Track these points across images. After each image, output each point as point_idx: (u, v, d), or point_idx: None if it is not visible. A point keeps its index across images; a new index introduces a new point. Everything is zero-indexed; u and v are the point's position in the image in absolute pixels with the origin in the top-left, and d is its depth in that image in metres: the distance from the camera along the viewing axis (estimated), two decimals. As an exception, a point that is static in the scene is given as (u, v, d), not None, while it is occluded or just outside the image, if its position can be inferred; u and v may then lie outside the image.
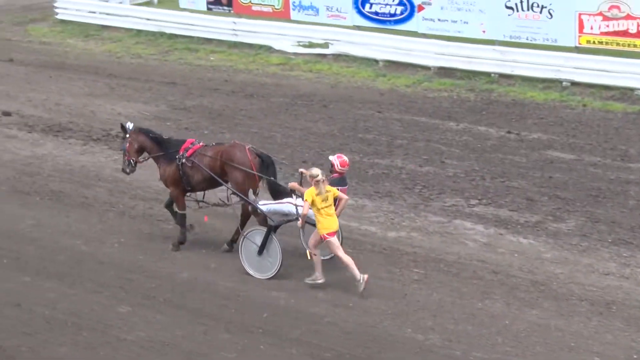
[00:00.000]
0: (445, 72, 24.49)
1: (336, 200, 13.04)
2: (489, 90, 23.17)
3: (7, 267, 13.80)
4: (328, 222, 12.88)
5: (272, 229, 13.48)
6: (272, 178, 13.88)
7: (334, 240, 12.94)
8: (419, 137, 19.83)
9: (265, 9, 29.41)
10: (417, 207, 16.09)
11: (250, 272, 13.59)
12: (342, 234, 13.86)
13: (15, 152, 19.02)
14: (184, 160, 14.19)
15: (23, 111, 21.77)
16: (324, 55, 26.71)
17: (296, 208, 13.19)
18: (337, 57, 26.46)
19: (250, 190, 13.74)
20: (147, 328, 12.08)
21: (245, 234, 13.70)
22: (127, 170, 14.76)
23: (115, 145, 19.47)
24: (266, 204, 13.71)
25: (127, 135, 14.66)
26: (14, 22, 32.60)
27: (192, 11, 30.54)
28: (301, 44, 27.51)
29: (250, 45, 27.90)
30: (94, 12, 31.60)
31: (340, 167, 13.54)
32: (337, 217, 13.07)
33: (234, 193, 13.95)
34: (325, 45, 26.99)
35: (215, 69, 26.15)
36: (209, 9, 30.77)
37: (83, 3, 32.12)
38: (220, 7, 30.55)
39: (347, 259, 12.94)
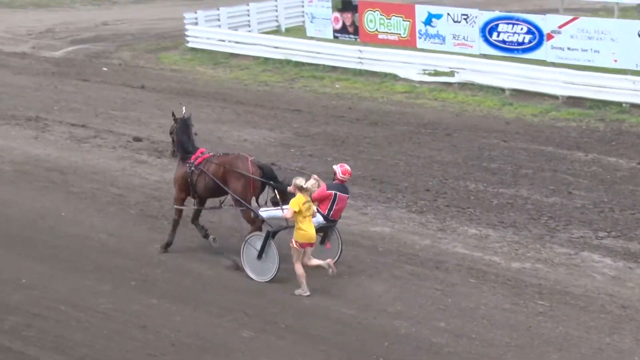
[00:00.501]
0: (574, 101, 24.04)
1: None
2: (620, 121, 22.62)
3: (134, 289, 14.09)
4: (308, 232, 13.50)
5: (270, 235, 14.03)
6: (273, 184, 14.51)
7: (309, 252, 13.62)
8: (545, 167, 19.47)
9: (391, 37, 29.48)
10: (543, 238, 15.76)
11: (252, 275, 14.22)
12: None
13: (144, 177, 19.46)
14: (193, 168, 14.96)
15: (153, 137, 22.29)
16: (449, 84, 26.57)
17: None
18: (463, 85, 26.28)
19: (253, 198, 14.43)
20: (269, 353, 12.14)
21: (246, 239, 14.29)
22: (175, 155, 15.60)
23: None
24: (266, 210, 14.37)
25: (177, 125, 15.51)
26: (147, 50, 33.51)
27: (318, 39, 30.85)
28: (427, 72, 27.43)
29: (376, 73, 27.96)
30: (224, 41, 32.24)
31: (341, 175, 14.20)
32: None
33: (236, 201, 14.55)
34: (451, 74, 26.85)
35: (340, 97, 26.30)
36: (335, 37, 31.03)
37: (213, 32, 32.82)
38: (347, 36, 30.76)
39: (301, 271, 13.61)
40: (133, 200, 17.91)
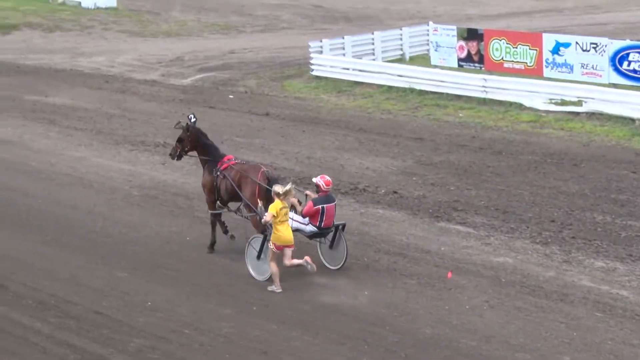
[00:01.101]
0: None
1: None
2: None
3: (255, 314, 14.20)
4: (285, 235, 14.71)
5: (267, 237, 15.12)
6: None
7: (289, 253, 14.82)
8: (676, 199, 18.88)
9: (517, 66, 29.15)
10: (674, 272, 15.25)
11: (252, 274, 15.45)
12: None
13: (267, 202, 19.65)
14: (218, 173, 16.39)
15: (276, 163, 22.50)
16: (576, 114, 26.06)
17: (292, 221, 15.19)
18: (591, 115, 25.74)
19: (260, 203, 15.61)
20: (387, 382, 12.05)
21: (249, 240, 15.58)
22: (175, 158, 17.31)
23: (363, 198, 19.76)
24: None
25: (188, 132, 16.83)
26: (272, 78, 33.96)
27: (443, 68, 30.72)
28: (553, 101, 26.97)
29: (500, 102, 27.66)
30: (348, 69, 32.42)
31: (325, 187, 15.54)
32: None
33: (246, 205, 16.01)
34: (579, 103, 26.33)
35: (463, 126, 26.09)
36: (459, 65, 30.85)
37: (337, 60, 33.04)
38: (472, 64, 30.56)
39: (275, 270, 14.78)
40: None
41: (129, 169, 22.05)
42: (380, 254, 16.54)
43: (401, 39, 36.00)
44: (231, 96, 30.90)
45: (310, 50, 33.45)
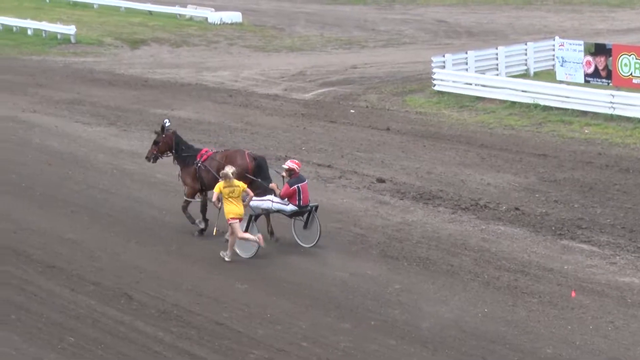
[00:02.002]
0: None
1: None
2: None
3: (373, 328, 14.14)
4: (233, 209, 16.53)
5: (253, 218, 17.06)
6: (264, 176, 17.70)
7: (236, 224, 16.53)
8: None
9: (646, 82, 28.44)
10: None
11: (238, 252, 16.95)
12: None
13: (387, 218, 19.59)
14: (199, 165, 18.06)
15: (396, 179, 22.43)
16: None
17: (272, 203, 17.18)
18: None
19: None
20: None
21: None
22: (151, 161, 19.16)
23: (484, 215, 19.51)
24: (253, 200, 17.15)
25: (163, 135, 18.64)
26: (393, 93, 33.92)
27: (568, 83, 30.14)
28: (684, 118, 26.18)
29: (629, 119, 26.96)
30: (470, 84, 32.13)
31: (297, 168, 17.43)
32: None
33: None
34: None
35: (588, 142, 25.52)
36: (586, 81, 30.24)
37: (460, 75, 32.79)
38: (599, 80, 29.92)
39: (232, 241, 16.67)
40: (374, 241, 18.05)
41: (251, 182, 22.29)
42: (501, 271, 16.29)
43: (526, 54, 35.49)
44: (352, 111, 30.98)
45: (433, 65, 33.27)
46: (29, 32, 48.85)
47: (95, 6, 60.80)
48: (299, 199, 17.36)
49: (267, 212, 17.55)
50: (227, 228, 16.82)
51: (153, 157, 19.11)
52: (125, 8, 59.28)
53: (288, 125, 28.59)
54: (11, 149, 25.12)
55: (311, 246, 17.44)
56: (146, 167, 23.35)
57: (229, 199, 16.57)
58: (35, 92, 33.28)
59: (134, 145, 25.66)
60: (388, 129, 27.94)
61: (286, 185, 17.34)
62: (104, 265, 16.77)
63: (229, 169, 16.68)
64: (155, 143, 18.94)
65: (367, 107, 31.73)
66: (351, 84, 36.11)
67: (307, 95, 33.99)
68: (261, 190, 17.56)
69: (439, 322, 14.26)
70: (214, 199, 16.69)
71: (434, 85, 33.04)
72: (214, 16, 54.34)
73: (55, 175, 22.56)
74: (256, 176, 17.73)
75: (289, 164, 17.53)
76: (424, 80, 34.73)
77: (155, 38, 48.95)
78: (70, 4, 62.49)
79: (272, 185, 17.56)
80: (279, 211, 17.37)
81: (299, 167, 17.52)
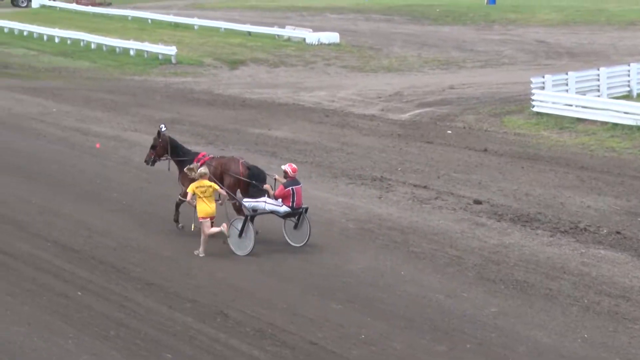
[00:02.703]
0: None
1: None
2: None
3: (469, 352, 13.96)
4: (204, 208, 17.78)
5: (248, 218, 18.12)
6: (257, 183, 18.69)
7: (207, 223, 17.79)
8: None
9: None
10: None
11: (233, 249, 18.17)
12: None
13: (483, 239, 19.37)
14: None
15: (493, 200, 22.18)
16: None
17: (265, 204, 18.31)
18: None
19: (238, 191, 18.75)
20: None
21: (231, 222, 18.20)
22: (149, 164, 20.07)
23: (583, 238, 19.14)
24: (249, 201, 18.46)
25: (160, 139, 19.62)
26: (491, 114, 33.61)
27: (672, 104, 29.48)
28: None
29: None
30: (570, 106, 31.63)
31: (292, 173, 18.51)
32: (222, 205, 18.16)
33: (227, 193, 18.40)
34: None
35: (694, 165, 24.86)
36: (691, 102, 29.53)
37: (560, 96, 32.32)
38: (703, 101, 29.15)
39: (205, 239, 17.91)
40: (471, 263, 17.86)
41: (346, 202, 22.30)
42: (601, 296, 15.93)
43: (629, 75, 34.83)
44: (449, 131, 30.79)
45: (532, 86, 32.88)
46: (132, 52, 49.90)
47: (195, 27, 61.84)
48: (293, 201, 18.43)
49: (262, 213, 18.54)
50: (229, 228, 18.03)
51: (151, 160, 20.11)
52: (225, 29, 60.15)
53: (384, 146, 28.54)
54: (113, 167, 25.63)
55: (301, 245, 18.53)
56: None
57: (202, 198, 17.79)
58: (137, 112, 33.94)
59: (231, 165, 25.91)
60: (485, 150, 27.67)
61: (281, 187, 18.50)
62: (200, 283, 16.94)
63: (203, 169, 17.96)
64: (153, 147, 19.97)
65: (464, 128, 31.50)
66: (448, 104, 35.91)
67: (404, 116, 33.90)
68: (256, 192, 18.73)
69: (537, 347, 14.01)
70: (189, 198, 18.00)
71: (533, 106, 32.63)
72: (312, 37, 54.72)
73: (154, 193, 22.92)
74: (252, 180, 18.86)
75: (285, 166, 18.70)
76: (522, 102, 34.34)
77: (254, 58, 49.51)
78: (172, 25, 63.69)
79: (266, 185, 18.74)
80: (272, 212, 18.50)
81: (293, 171, 18.56)
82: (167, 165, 20.11)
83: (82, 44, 53.49)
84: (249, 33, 58.37)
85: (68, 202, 21.90)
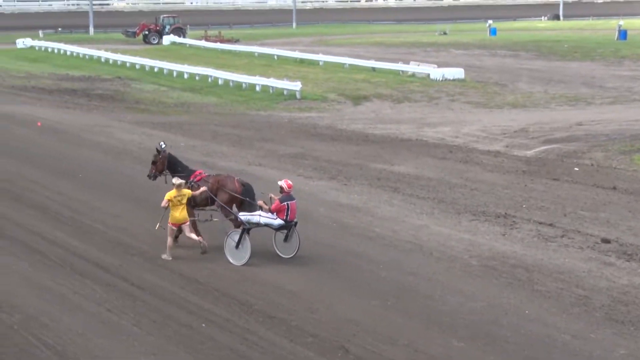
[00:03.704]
0: None
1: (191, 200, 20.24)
2: None
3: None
4: (175, 215, 19.77)
5: (245, 231, 19.54)
6: (251, 199, 20.19)
7: (176, 229, 19.99)
8: None
9: None
10: None
11: (230, 260, 19.57)
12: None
13: (612, 279, 18.85)
14: (193, 184, 20.57)
15: (623, 239, 21.59)
16: None
17: (260, 217, 19.67)
18: None
19: (234, 205, 20.36)
20: None
21: (228, 233, 19.72)
22: (151, 178, 21.73)
23: None
24: (244, 215, 19.88)
25: (160, 155, 21.28)
26: (621, 151, 32.83)
27: None
28: None
29: None
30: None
31: (287, 188, 19.82)
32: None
33: (222, 208, 20.25)
34: None
35: None
36: None
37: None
38: None
39: (172, 244, 20.07)
40: (598, 303, 17.38)
41: (469, 239, 22.04)
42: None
43: None
44: (576, 169, 30.16)
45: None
46: (258, 88, 50.71)
47: (320, 63, 62.48)
48: (287, 215, 19.71)
49: (257, 226, 19.79)
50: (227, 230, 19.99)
51: (152, 175, 21.66)
52: (350, 65, 60.59)
53: (508, 182, 28.15)
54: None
55: (290, 257, 19.91)
56: (365, 221, 23.57)
57: (176, 205, 19.69)
58: (261, 146, 34.39)
59: (353, 200, 25.97)
60: (614, 188, 27.00)
61: (277, 201, 19.74)
62: (321, 317, 16.95)
63: (176, 180, 19.93)
64: (153, 163, 21.59)
65: (592, 165, 30.82)
66: (575, 141, 35.23)
67: (529, 152, 33.39)
68: (249, 207, 20.20)
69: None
70: (163, 204, 19.90)
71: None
72: (436, 72, 54.60)
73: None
74: (246, 197, 20.38)
75: (281, 182, 20.00)
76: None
77: (378, 94, 49.66)
78: (297, 61, 64.52)
79: (260, 202, 20.07)
80: (267, 225, 19.78)
81: (288, 187, 19.83)
82: (186, 185, 20.80)
83: (209, 79, 54.61)
84: (373, 69, 58.63)
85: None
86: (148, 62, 61.39)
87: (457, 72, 54.84)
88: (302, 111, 44.64)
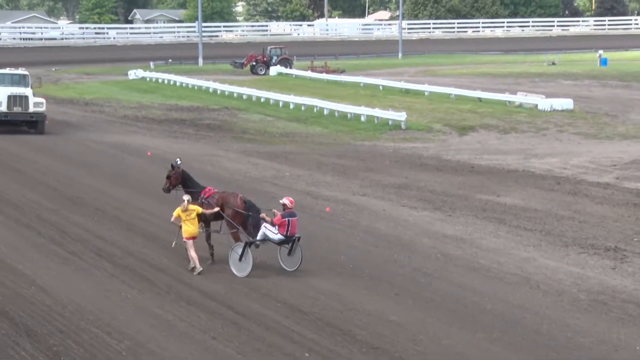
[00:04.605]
0: None
1: (200, 216, 21.61)
2: None
3: None
4: (187, 229, 21.03)
5: (247, 244, 20.93)
6: (254, 214, 21.53)
7: (191, 243, 21.06)
8: None
9: None
10: None
11: (235, 271, 20.80)
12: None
13: None
14: (204, 200, 21.94)
15: None
16: None
17: (265, 228, 21.09)
18: None
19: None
20: None
21: (232, 247, 21.08)
22: (165, 191, 23.19)
23: None
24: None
25: (174, 171, 22.82)
26: None
27: None
28: None
29: None
30: None
31: (290, 205, 21.15)
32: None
33: (228, 223, 21.69)
34: None
35: None
36: None
37: None
38: None
39: (194, 255, 21.05)
40: None
41: (577, 272, 21.59)
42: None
43: None
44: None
45: None
46: (363, 118, 50.81)
47: (426, 93, 62.32)
48: (287, 230, 20.97)
49: (258, 240, 21.19)
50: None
51: (166, 188, 23.07)
52: (456, 95, 60.25)
53: (619, 215, 27.52)
54: (341, 230, 26.02)
55: (293, 270, 21.07)
56: (470, 253, 23.32)
57: (186, 220, 20.99)
58: (366, 176, 34.41)
59: (458, 231, 25.74)
60: None
61: (279, 216, 21.07)
62: (425, 349, 16.80)
63: (187, 198, 21.48)
64: (168, 177, 22.98)
65: None
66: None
67: (641, 185, 32.61)
68: (254, 220, 21.49)
69: None
70: (172, 220, 21.41)
71: None
72: (544, 103, 53.88)
73: (381, 257, 23.05)
74: (248, 213, 21.70)
75: (284, 200, 21.37)
76: None
77: (484, 124, 49.25)
78: (402, 92, 64.49)
79: (263, 214, 21.36)
80: (269, 239, 21.10)
81: (291, 203, 21.22)
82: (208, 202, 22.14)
83: (315, 110, 54.98)
84: (480, 99, 58.18)
85: (297, 264, 22.38)
86: (255, 92, 62.19)
87: (566, 103, 54.00)
88: (407, 141, 44.54)
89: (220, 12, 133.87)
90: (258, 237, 21.23)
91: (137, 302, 19.43)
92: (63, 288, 20.13)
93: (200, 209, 21.46)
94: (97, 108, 57.44)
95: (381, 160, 38.70)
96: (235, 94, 63.58)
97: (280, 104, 58.30)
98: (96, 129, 47.61)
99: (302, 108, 56.03)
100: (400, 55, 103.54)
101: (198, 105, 59.43)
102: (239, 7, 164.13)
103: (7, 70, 45.98)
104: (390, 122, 48.91)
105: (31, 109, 43.60)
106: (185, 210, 21.18)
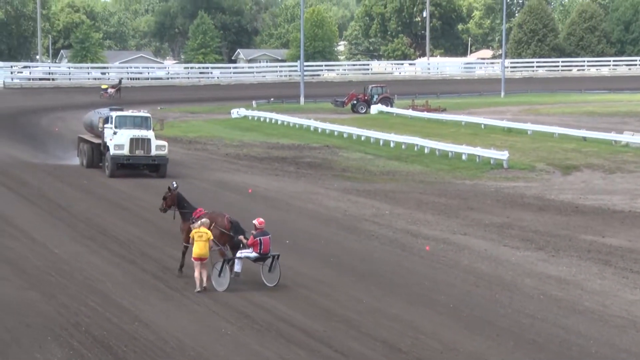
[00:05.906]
0: None
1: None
2: None
3: None
4: (195, 250, 22.47)
5: (225, 262, 22.78)
6: (239, 235, 23.42)
7: (197, 263, 22.46)
8: None
9: None
10: None
11: (215, 286, 22.61)
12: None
13: None
14: (194, 220, 23.54)
15: None
16: None
17: (242, 252, 23.16)
18: None
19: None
20: None
21: (214, 264, 22.69)
22: (162, 211, 25.56)
23: None
24: (242, 252, 23.17)
25: (170, 193, 25.04)
26: None
27: None
28: None
29: None
30: None
31: (259, 225, 23.09)
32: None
33: (214, 242, 23.10)
34: None
35: None
36: None
37: None
38: None
39: (199, 276, 22.55)
40: None
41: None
42: None
43: None
44: None
45: None
46: (464, 157, 50.43)
47: (529, 132, 61.56)
48: (260, 248, 22.91)
49: (237, 258, 23.10)
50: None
51: (163, 209, 25.32)
52: (559, 134, 59.34)
53: None
54: (441, 269, 25.79)
55: (273, 285, 22.79)
56: (574, 294, 22.83)
57: (197, 241, 22.51)
58: (467, 215, 34.07)
59: (562, 272, 25.24)
60: None
61: (251, 237, 23.04)
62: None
63: (205, 220, 23.00)
64: (164, 198, 25.18)
65: None
66: None
67: None
68: (232, 243, 23.46)
69: None
70: (185, 239, 23.60)
71: None
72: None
73: (481, 297, 22.74)
74: (234, 233, 23.52)
75: (254, 221, 23.17)
76: None
77: (588, 164, 48.37)
78: (505, 130, 63.83)
79: (240, 237, 23.30)
80: (247, 257, 23.04)
81: (260, 224, 23.09)
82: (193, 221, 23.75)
83: (415, 148, 54.80)
84: (584, 138, 57.18)
85: (397, 303, 22.22)
86: (355, 130, 62.34)
87: (674, 142, 52.74)
88: (509, 180, 44.00)
89: (322, 52, 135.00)
90: (236, 268, 23.10)
91: (237, 338, 19.53)
92: (165, 324, 20.38)
93: (211, 235, 22.85)
94: (200, 146, 58.33)
95: (482, 199, 38.29)
96: (336, 133, 63.84)
97: (381, 142, 58.30)
98: (199, 166, 48.29)
99: (403, 147, 55.92)
100: (502, 93, 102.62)
101: (299, 143, 59.83)
102: (341, 47, 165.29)
103: (129, 113, 45.07)
104: (492, 161, 48.42)
105: (153, 152, 42.62)
106: (195, 227, 22.86)
